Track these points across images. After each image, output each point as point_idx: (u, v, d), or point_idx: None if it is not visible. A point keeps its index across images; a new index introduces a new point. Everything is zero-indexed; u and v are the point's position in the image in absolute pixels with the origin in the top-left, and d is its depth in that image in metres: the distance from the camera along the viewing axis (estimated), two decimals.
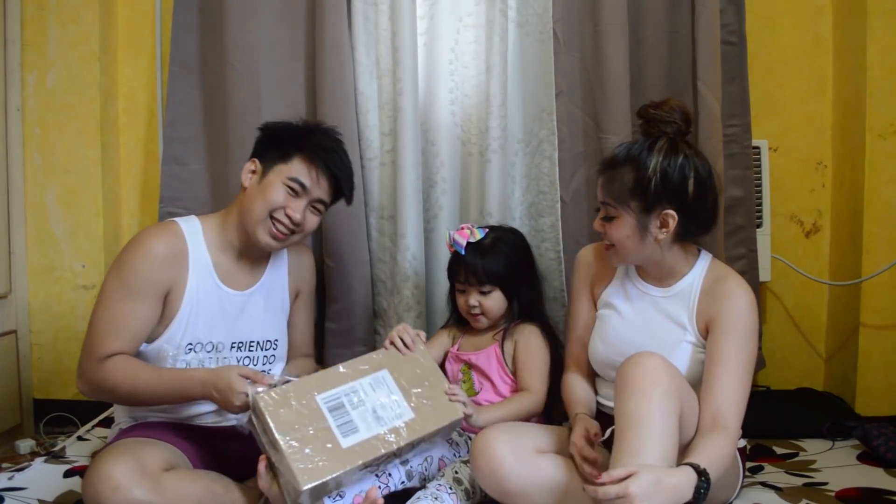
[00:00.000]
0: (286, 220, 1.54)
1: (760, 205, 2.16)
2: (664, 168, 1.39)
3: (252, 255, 1.61)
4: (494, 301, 1.74)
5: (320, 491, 1.33)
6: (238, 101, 2.09)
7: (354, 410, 1.40)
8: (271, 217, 1.53)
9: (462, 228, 1.76)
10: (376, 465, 1.42)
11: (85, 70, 2.28)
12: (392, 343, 1.56)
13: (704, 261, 1.51)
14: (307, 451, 1.30)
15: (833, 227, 2.25)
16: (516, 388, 1.72)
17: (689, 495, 1.16)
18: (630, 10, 2.01)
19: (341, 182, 1.60)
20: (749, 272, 2.11)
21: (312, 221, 1.59)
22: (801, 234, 2.27)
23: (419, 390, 1.49)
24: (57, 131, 2.30)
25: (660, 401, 1.22)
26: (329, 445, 1.33)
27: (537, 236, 2.08)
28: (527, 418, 1.67)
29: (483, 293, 1.73)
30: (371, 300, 2.14)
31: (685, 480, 1.17)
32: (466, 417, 1.51)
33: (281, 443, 1.29)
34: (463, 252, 1.72)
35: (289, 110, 2.13)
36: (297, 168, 1.54)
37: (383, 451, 1.37)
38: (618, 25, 1.99)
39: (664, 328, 1.48)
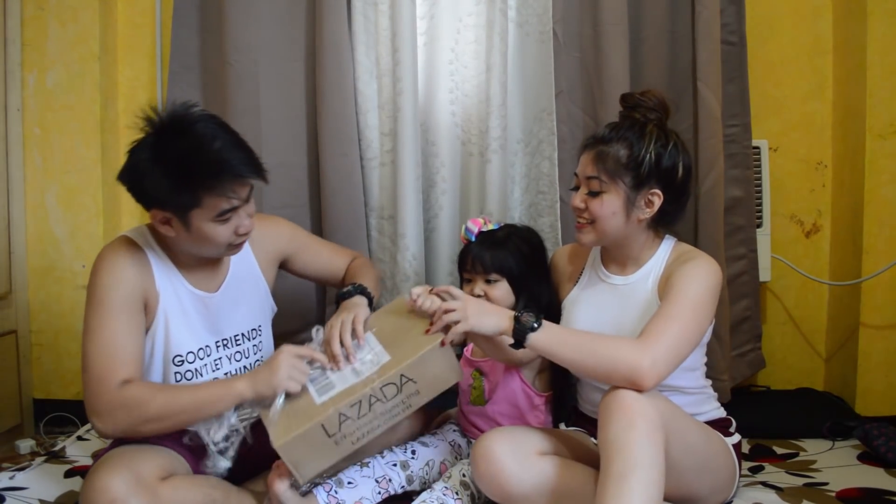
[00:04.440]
0: (242, 238, 1.45)
1: (760, 205, 2.16)
2: (658, 148, 1.44)
3: (214, 259, 1.54)
4: (500, 292, 1.65)
5: (305, 455, 1.32)
6: (238, 101, 2.09)
7: (333, 374, 1.40)
8: (228, 246, 1.44)
9: (477, 218, 1.72)
10: (366, 429, 1.37)
11: (85, 70, 2.27)
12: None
13: (668, 243, 1.53)
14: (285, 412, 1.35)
15: (833, 227, 2.25)
16: (532, 399, 1.65)
17: (507, 324, 1.33)
18: (630, 10, 2.01)
19: (257, 171, 1.42)
20: (749, 272, 2.12)
21: (252, 209, 1.46)
22: (801, 234, 2.27)
23: (399, 336, 1.43)
24: (57, 131, 2.29)
25: (644, 428, 1.21)
26: (304, 405, 1.34)
27: None
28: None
29: (489, 282, 1.65)
30: None
31: (505, 313, 1.35)
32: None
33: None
34: (473, 239, 1.68)
35: (289, 110, 2.14)
36: (214, 204, 1.36)
37: (357, 396, 1.32)
38: (618, 25, 1.99)
39: (630, 317, 1.47)
